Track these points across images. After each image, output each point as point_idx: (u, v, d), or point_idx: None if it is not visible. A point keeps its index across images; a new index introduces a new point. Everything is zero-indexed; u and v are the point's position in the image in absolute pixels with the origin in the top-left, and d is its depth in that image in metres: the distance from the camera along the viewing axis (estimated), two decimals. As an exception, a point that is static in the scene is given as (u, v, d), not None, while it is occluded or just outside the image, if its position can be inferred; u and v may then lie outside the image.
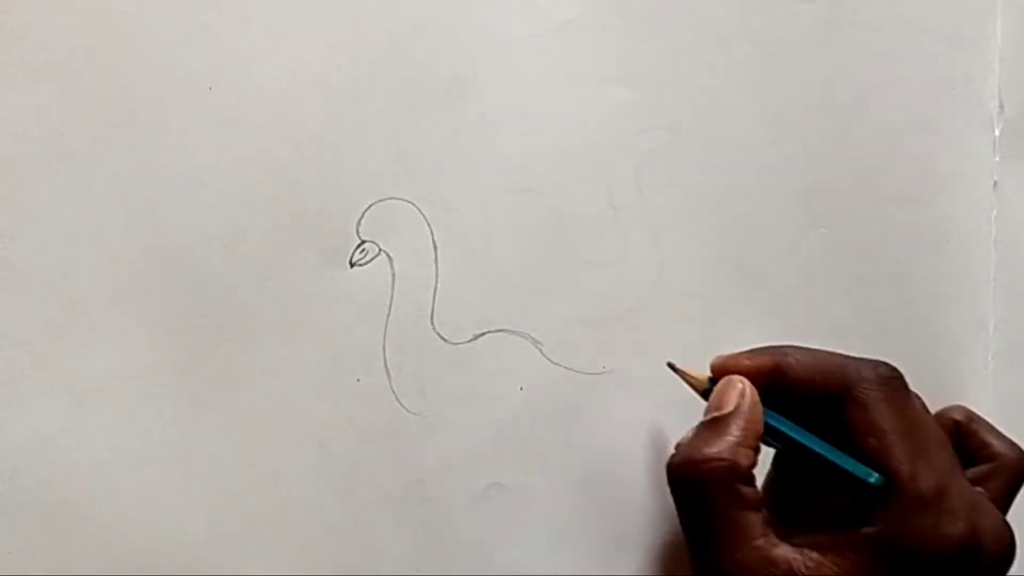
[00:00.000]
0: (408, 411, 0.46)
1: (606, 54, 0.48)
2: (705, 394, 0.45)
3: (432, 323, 0.46)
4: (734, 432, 0.43)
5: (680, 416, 0.46)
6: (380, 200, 0.46)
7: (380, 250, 0.46)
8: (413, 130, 0.46)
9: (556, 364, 0.48)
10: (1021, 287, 0.52)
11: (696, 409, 0.46)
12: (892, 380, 0.43)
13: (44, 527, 0.44)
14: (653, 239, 0.49)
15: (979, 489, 0.45)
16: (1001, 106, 0.52)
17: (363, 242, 0.46)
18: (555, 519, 0.47)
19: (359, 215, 0.46)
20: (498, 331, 0.47)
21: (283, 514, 0.45)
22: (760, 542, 0.41)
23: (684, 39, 0.49)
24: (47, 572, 0.43)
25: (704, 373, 0.46)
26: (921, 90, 0.51)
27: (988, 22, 0.51)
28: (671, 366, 0.46)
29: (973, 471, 0.46)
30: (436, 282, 0.47)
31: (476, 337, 0.47)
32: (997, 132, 0.52)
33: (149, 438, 0.44)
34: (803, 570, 0.41)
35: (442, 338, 0.47)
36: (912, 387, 0.44)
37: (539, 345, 0.47)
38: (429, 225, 0.46)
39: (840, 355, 0.44)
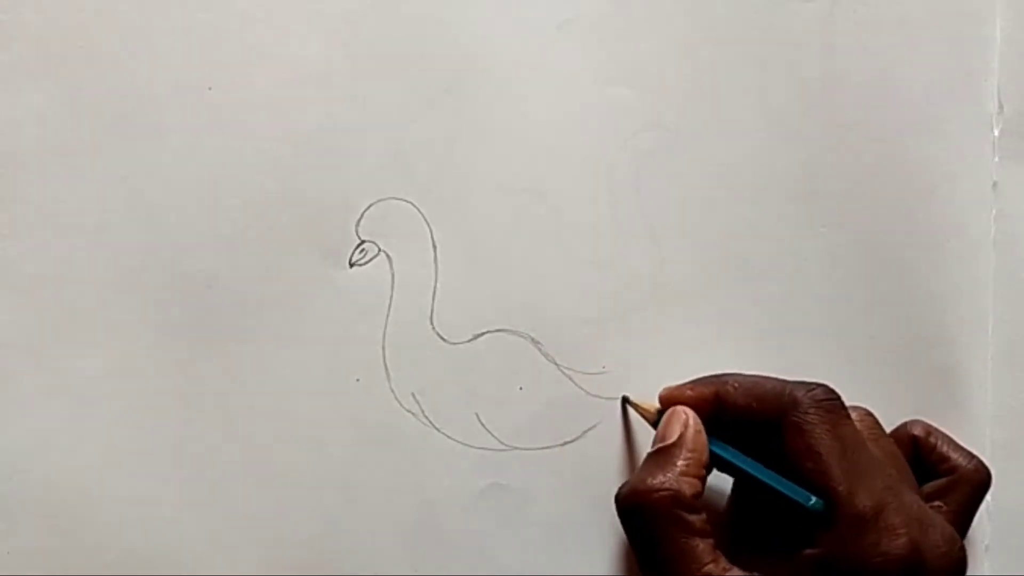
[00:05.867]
0: (408, 411, 0.46)
1: (605, 54, 0.48)
2: (656, 424, 0.46)
3: (432, 323, 0.46)
4: (677, 462, 0.44)
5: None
6: (379, 200, 0.46)
7: (380, 250, 0.46)
8: (413, 130, 0.46)
9: (556, 364, 0.48)
10: (1021, 287, 0.52)
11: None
12: (826, 402, 0.44)
13: (44, 527, 0.44)
14: (653, 239, 0.49)
15: (937, 503, 0.45)
16: (1001, 106, 0.51)
17: (363, 242, 0.46)
18: (555, 519, 0.47)
19: (359, 215, 0.46)
20: (498, 331, 0.47)
21: (283, 514, 0.45)
22: (709, 568, 0.42)
23: (684, 39, 0.49)
24: (47, 572, 0.44)
25: (655, 405, 0.47)
26: (921, 90, 0.51)
27: (988, 22, 0.51)
28: (625, 399, 0.47)
29: (932, 485, 0.46)
30: (436, 282, 0.47)
31: (476, 337, 0.47)
32: (996, 132, 0.52)
33: (148, 438, 0.44)
34: None
35: (442, 338, 0.47)
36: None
37: (539, 345, 0.47)
38: (429, 225, 0.46)
39: (776, 380, 0.45)
